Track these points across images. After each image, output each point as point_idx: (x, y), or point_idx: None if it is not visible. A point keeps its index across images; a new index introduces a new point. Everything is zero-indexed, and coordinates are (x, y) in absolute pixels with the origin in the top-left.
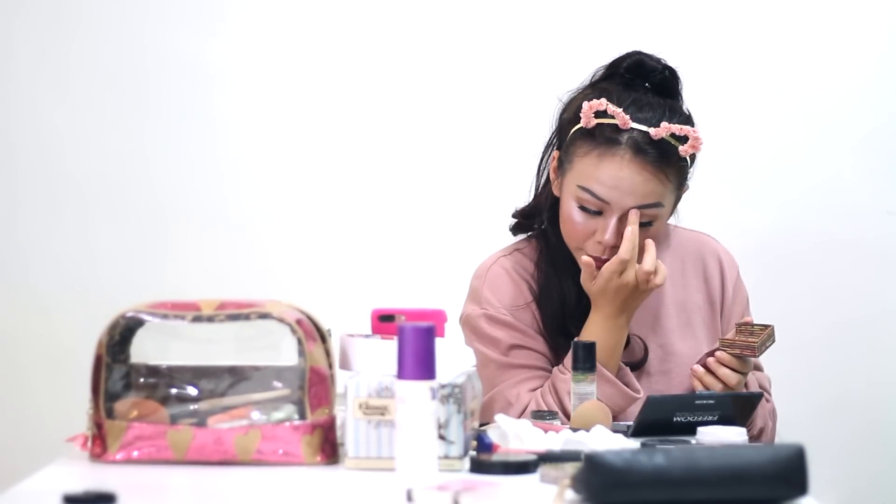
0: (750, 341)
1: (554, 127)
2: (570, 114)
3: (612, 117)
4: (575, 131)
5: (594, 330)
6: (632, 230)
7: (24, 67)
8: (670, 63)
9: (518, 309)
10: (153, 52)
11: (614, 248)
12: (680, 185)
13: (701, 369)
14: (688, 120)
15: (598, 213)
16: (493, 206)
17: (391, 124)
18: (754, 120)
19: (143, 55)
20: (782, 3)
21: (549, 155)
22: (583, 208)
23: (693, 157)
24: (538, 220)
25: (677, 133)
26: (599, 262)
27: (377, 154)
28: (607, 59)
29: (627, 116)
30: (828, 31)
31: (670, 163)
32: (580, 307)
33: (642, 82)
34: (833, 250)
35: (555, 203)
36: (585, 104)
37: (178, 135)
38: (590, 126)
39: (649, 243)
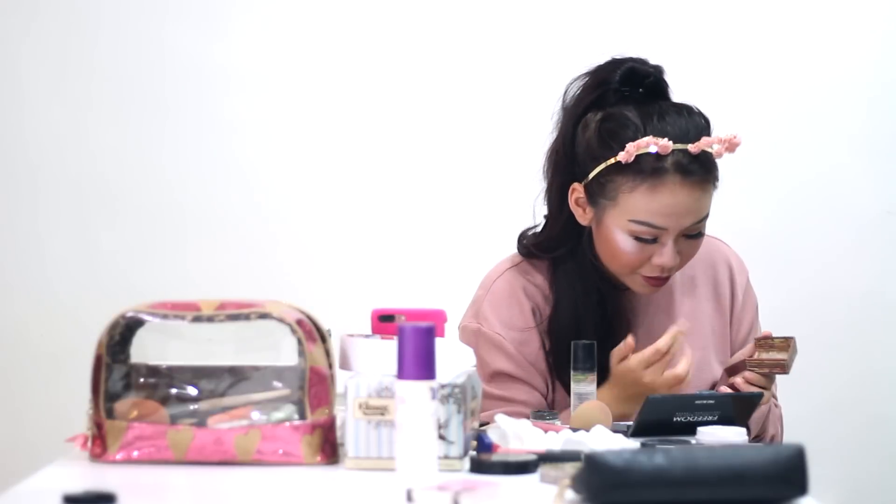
0: (778, 359)
1: (549, 149)
2: (584, 148)
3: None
4: (609, 166)
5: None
6: (676, 336)
7: (28, 68)
8: (658, 60)
9: (517, 331)
10: (157, 52)
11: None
12: (716, 184)
13: (731, 392)
14: (703, 116)
15: (654, 239)
16: (492, 207)
17: (390, 125)
18: (753, 119)
19: (148, 55)
20: (782, 2)
21: (557, 181)
22: (639, 239)
23: None
24: (558, 252)
25: (717, 143)
26: (660, 282)
27: (377, 155)
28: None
29: (669, 143)
30: (828, 30)
31: (712, 171)
32: (596, 336)
33: (636, 89)
34: (833, 250)
35: (580, 230)
36: (631, 145)
37: (180, 135)
38: (629, 161)
39: (688, 350)
